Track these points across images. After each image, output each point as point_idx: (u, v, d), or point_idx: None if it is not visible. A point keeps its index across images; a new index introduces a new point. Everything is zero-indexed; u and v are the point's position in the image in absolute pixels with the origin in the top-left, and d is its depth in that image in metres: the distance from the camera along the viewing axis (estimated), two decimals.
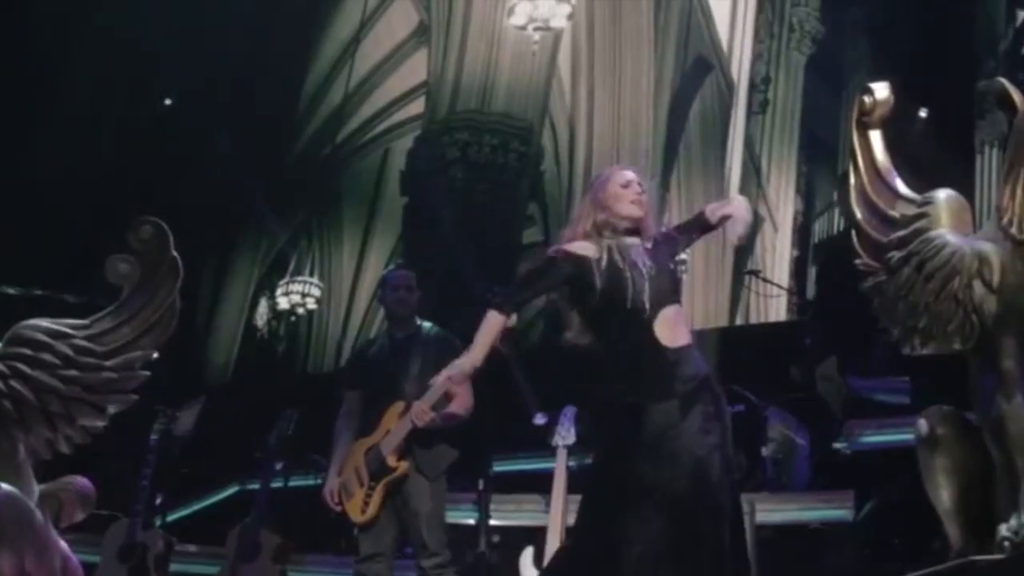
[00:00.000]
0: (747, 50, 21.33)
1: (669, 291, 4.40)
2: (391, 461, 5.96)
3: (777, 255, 21.93)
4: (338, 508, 6.03)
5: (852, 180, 3.55)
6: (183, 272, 3.21)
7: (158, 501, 7.72)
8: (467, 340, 5.99)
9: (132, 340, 3.14)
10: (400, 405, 5.99)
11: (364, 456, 6.02)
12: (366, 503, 5.97)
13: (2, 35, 12.36)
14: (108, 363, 3.11)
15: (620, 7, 16.81)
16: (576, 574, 4.38)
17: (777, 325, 16.41)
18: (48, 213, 12.82)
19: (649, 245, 4.44)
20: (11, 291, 6.26)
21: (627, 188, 4.50)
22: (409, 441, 5.95)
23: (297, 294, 17.97)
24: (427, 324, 6.37)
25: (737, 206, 4.50)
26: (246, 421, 9.02)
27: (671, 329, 4.34)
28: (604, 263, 4.36)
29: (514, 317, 5.98)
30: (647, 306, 4.31)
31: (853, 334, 8.15)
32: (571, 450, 6.17)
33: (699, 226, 4.56)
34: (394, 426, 5.97)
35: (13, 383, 3.04)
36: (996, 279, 3.21)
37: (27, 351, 3.07)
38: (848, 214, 3.54)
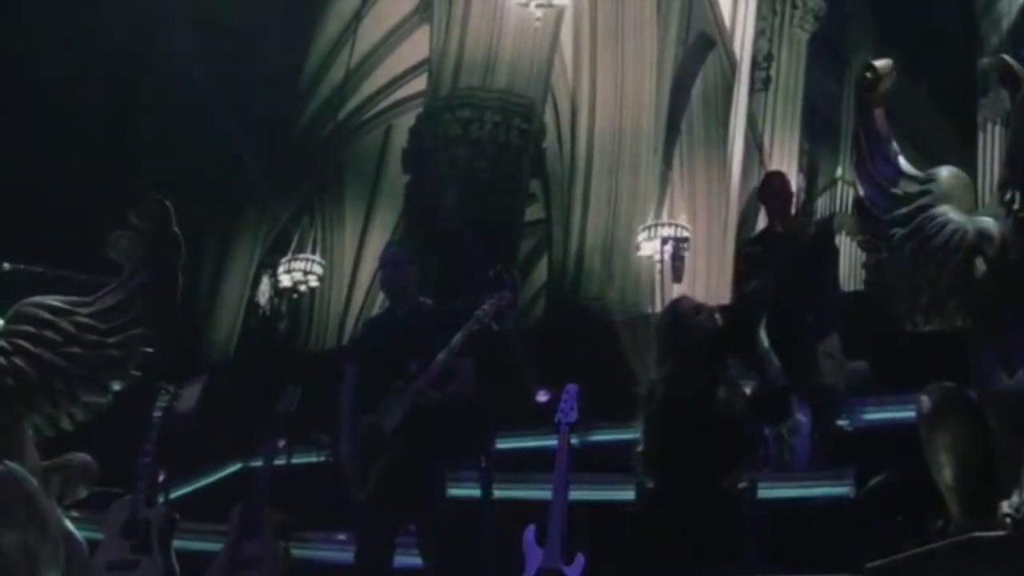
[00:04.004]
0: (750, 27, 21.24)
1: None
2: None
3: None
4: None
5: (855, 157, 3.54)
6: (185, 249, 3.21)
7: (161, 478, 7.73)
8: (469, 317, 6.02)
9: (134, 317, 3.14)
10: (399, 383, 5.99)
11: (363, 433, 6.01)
12: (364, 481, 5.98)
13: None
14: (110, 340, 3.11)
15: None
16: None
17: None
18: (49, 190, 12.80)
19: None
20: (12, 268, 6.26)
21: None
22: (408, 418, 5.95)
23: (299, 271, 17.94)
24: (429, 301, 6.36)
25: None
26: (248, 398, 9.02)
27: None
28: None
29: (508, 295, 6.00)
30: None
31: None
32: (573, 427, 6.17)
33: None
34: (394, 403, 5.97)
35: (16, 360, 3.04)
36: (998, 255, 3.21)
37: (30, 328, 3.06)
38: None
